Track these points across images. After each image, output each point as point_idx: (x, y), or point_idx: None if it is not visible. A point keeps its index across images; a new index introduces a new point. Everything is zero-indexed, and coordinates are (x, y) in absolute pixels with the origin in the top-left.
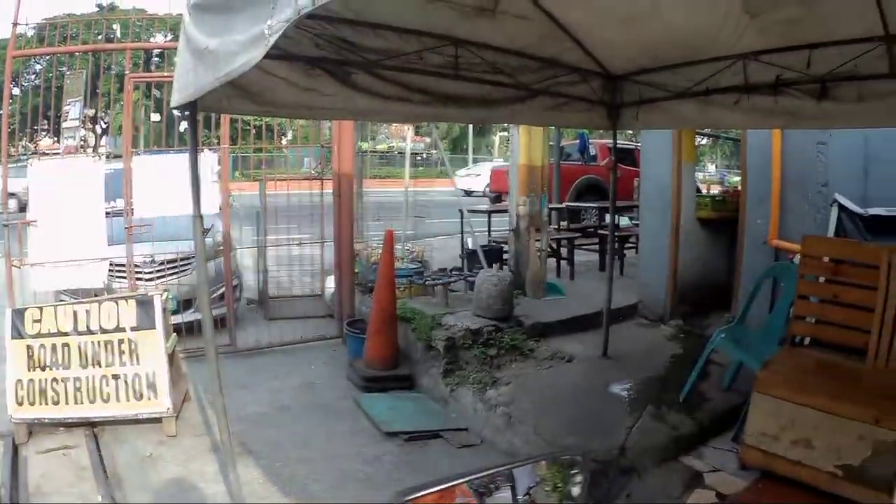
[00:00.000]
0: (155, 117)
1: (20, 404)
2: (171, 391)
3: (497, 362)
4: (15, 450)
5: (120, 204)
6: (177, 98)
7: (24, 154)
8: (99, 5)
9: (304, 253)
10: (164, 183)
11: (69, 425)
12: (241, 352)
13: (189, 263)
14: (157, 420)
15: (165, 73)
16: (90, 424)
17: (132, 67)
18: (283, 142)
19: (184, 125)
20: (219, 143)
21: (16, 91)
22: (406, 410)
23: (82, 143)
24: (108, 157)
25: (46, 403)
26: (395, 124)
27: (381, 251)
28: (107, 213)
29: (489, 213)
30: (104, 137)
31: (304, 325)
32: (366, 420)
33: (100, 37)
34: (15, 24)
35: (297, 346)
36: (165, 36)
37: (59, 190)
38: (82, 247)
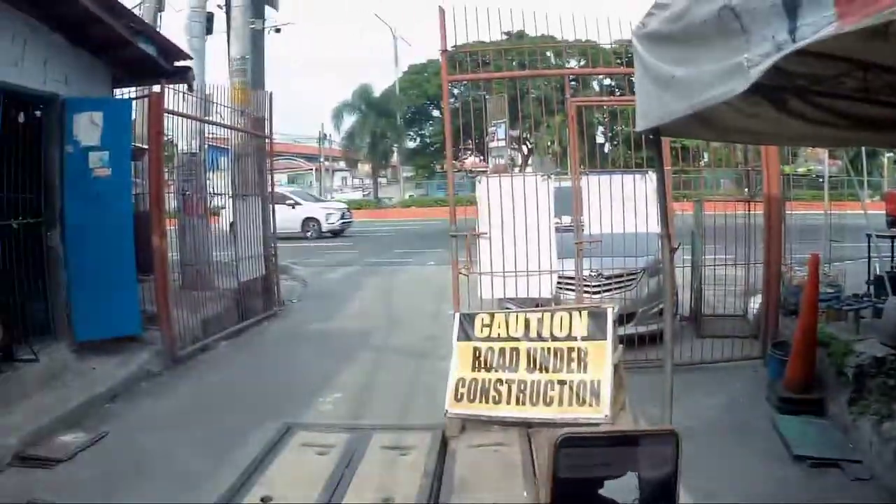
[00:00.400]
0: (598, 139)
1: (458, 401)
2: (611, 399)
3: (895, 394)
4: (444, 442)
5: (565, 220)
6: (641, 123)
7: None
8: (506, 33)
9: (728, 273)
10: (610, 202)
11: (506, 424)
12: (674, 367)
13: (633, 279)
14: (595, 425)
15: (605, 98)
16: (527, 425)
17: (552, 92)
18: (700, 164)
19: (607, 147)
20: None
21: (435, 113)
22: (813, 435)
23: (510, 162)
24: (553, 176)
25: (487, 402)
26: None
27: (802, 274)
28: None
29: (893, 238)
30: (530, 157)
31: (730, 344)
32: (778, 440)
33: (514, 63)
34: (444, 52)
35: (722, 365)
36: (579, 62)
37: (508, 205)
38: (532, 259)
